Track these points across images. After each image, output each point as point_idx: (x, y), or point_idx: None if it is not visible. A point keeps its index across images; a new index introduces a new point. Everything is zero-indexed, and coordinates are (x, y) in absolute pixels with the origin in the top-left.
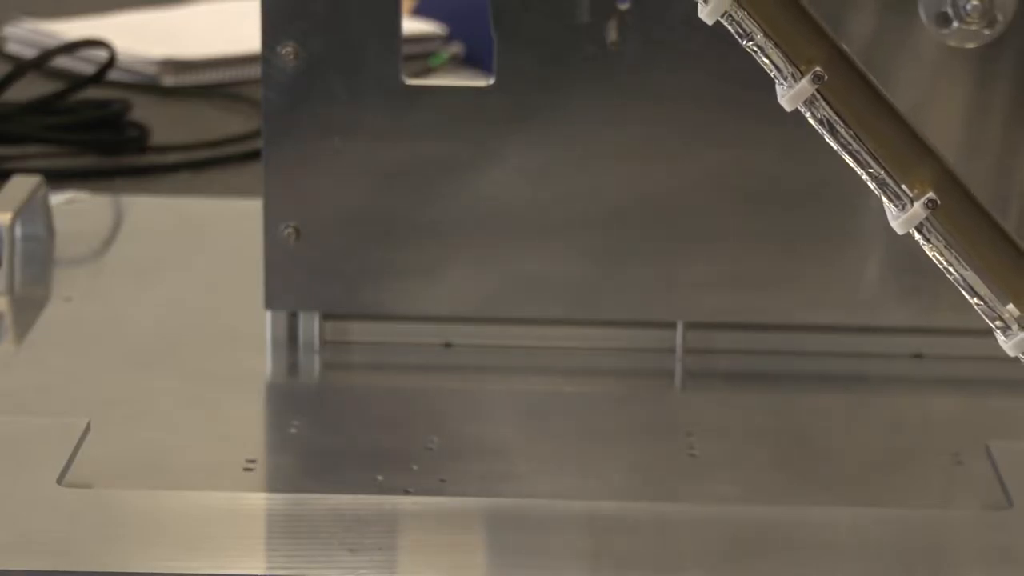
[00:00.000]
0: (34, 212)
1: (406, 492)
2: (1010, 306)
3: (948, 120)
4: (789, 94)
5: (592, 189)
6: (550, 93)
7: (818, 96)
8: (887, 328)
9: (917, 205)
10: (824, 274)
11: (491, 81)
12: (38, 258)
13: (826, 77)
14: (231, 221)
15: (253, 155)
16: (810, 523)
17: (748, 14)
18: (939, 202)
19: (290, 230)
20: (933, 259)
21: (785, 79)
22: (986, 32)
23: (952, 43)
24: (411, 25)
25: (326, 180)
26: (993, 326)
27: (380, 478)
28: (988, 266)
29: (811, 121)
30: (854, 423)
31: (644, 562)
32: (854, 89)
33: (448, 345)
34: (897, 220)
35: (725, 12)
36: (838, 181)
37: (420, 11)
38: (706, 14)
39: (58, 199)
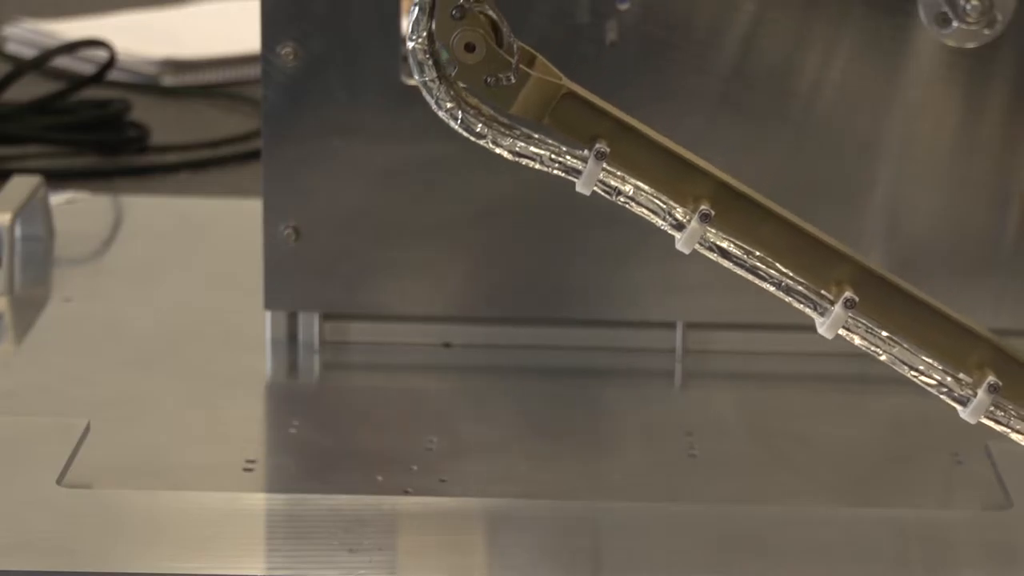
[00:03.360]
0: (34, 212)
1: (406, 492)
2: (961, 374)
3: (948, 120)
4: (683, 239)
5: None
6: None
7: (711, 230)
8: None
9: (837, 307)
10: None
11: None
12: (38, 258)
13: (713, 213)
14: (231, 221)
15: (253, 155)
16: (810, 523)
17: (623, 174)
18: (857, 299)
19: (290, 230)
20: (866, 350)
21: (664, 220)
22: (986, 32)
23: (952, 43)
24: None
25: (326, 180)
26: (948, 401)
27: (380, 478)
28: (926, 343)
29: (710, 255)
30: (854, 423)
31: (644, 562)
32: (748, 214)
33: (448, 345)
34: (823, 326)
35: (597, 182)
36: (838, 181)
37: None
38: (581, 186)
39: (58, 199)
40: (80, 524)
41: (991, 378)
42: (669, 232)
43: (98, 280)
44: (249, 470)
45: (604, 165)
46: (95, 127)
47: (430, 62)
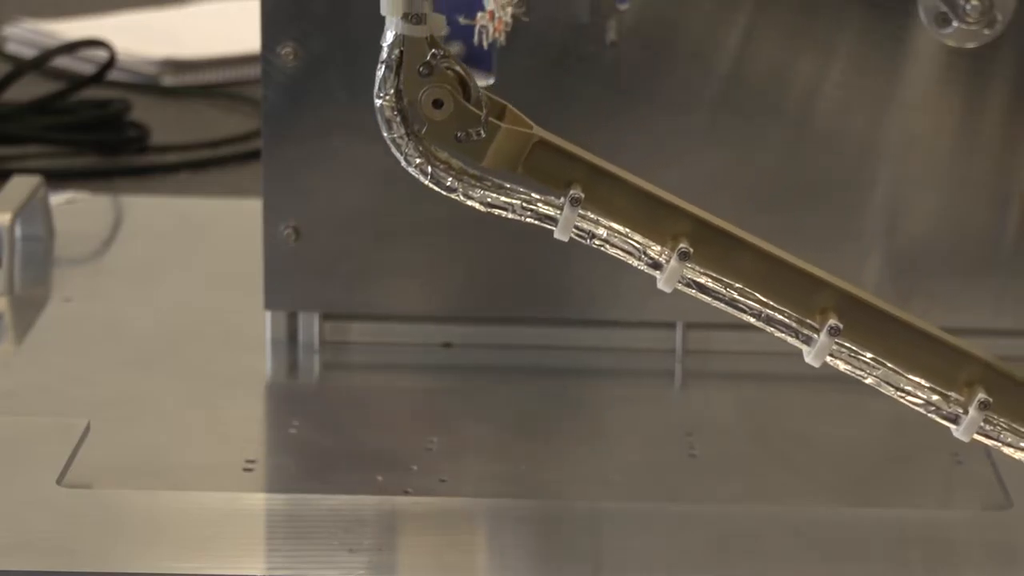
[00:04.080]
0: (34, 212)
1: (406, 492)
2: (953, 393)
3: (948, 120)
4: (663, 278)
5: None
6: (550, 93)
7: (692, 268)
8: None
9: (822, 335)
10: None
11: (491, 81)
12: (38, 258)
13: (691, 251)
14: (231, 221)
15: (253, 155)
16: (810, 523)
17: (597, 217)
18: (841, 326)
19: (290, 230)
20: (851, 374)
21: (639, 260)
22: (986, 32)
23: (952, 43)
24: None
25: (326, 180)
26: (942, 421)
27: (380, 478)
28: (915, 364)
29: (688, 291)
30: (854, 423)
31: (644, 562)
32: (726, 249)
33: (448, 345)
34: (809, 355)
35: (572, 227)
36: (838, 181)
37: None
38: (559, 233)
39: (58, 199)
40: (80, 524)
41: (981, 395)
42: (647, 272)
43: (98, 280)
44: (249, 470)
45: (580, 211)
46: (95, 127)
47: (398, 119)
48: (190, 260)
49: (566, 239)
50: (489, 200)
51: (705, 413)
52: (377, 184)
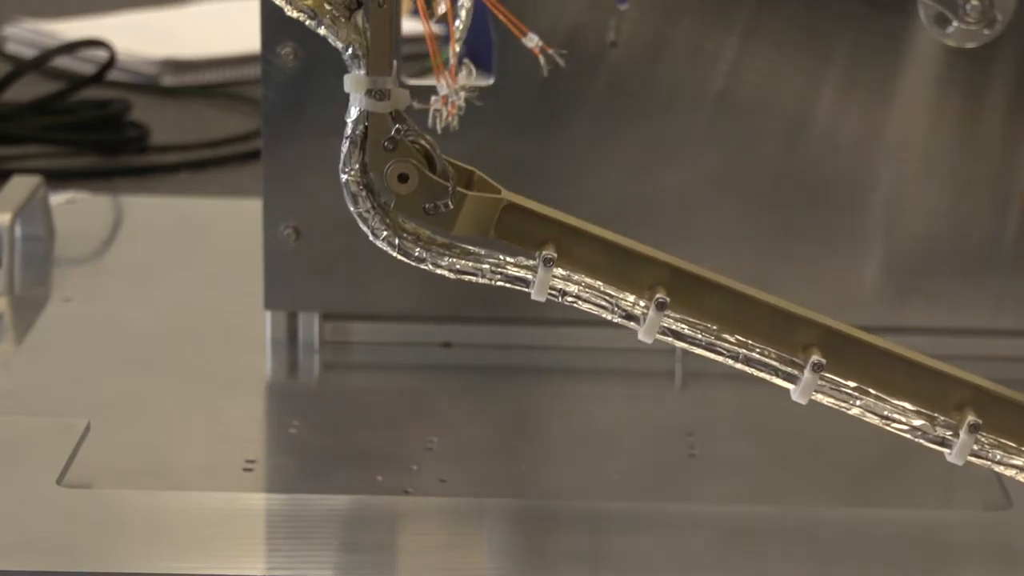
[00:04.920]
0: (34, 212)
1: (406, 492)
2: (944, 417)
3: (948, 120)
4: (643, 330)
5: (592, 189)
6: (550, 93)
7: (670, 314)
8: (887, 328)
9: (806, 373)
10: (824, 274)
11: (491, 81)
12: (38, 258)
13: (668, 300)
14: (231, 221)
15: (253, 155)
16: (810, 523)
17: (568, 273)
18: (824, 362)
19: (290, 230)
20: (836, 408)
21: (612, 314)
22: (986, 32)
23: (952, 43)
24: (411, 25)
25: (326, 180)
26: (932, 446)
27: (380, 478)
28: (903, 392)
29: (664, 339)
30: (854, 423)
31: (644, 562)
32: (703, 294)
33: (448, 345)
34: (796, 393)
35: (547, 289)
36: (838, 181)
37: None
38: (535, 294)
39: (58, 199)
40: (80, 524)
41: (971, 418)
42: (622, 324)
43: (98, 280)
44: (249, 470)
45: (557, 272)
46: (95, 127)
47: (363, 193)
48: (190, 260)
49: (543, 300)
50: (458, 267)
51: (705, 413)
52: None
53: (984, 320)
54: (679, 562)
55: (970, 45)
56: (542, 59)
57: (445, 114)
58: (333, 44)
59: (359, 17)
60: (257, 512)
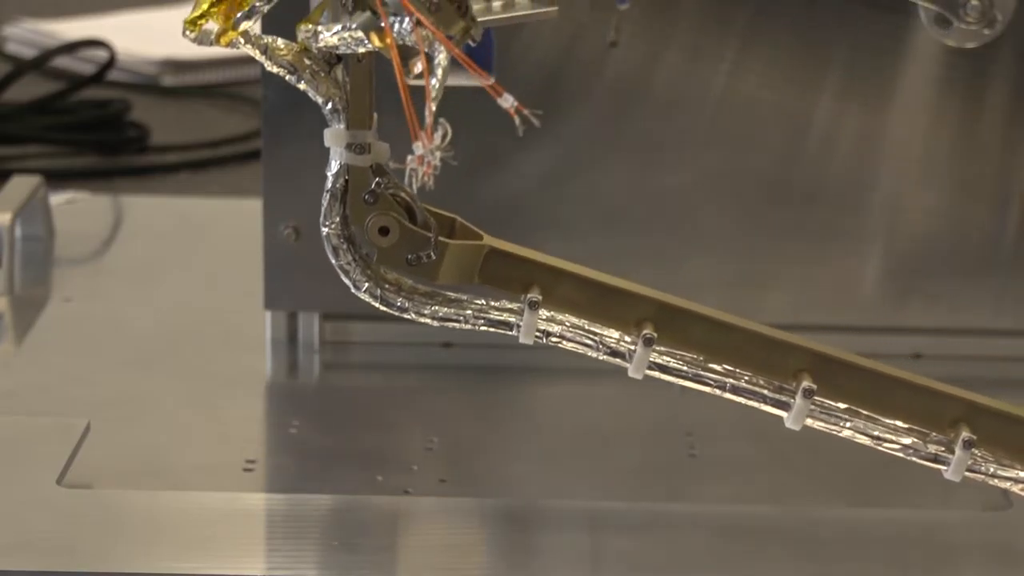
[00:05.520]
0: (34, 212)
1: (406, 492)
2: (934, 434)
3: (948, 120)
4: (633, 367)
5: (592, 189)
6: (550, 93)
7: (659, 348)
8: (887, 328)
9: (798, 400)
10: (824, 274)
11: (491, 81)
12: (38, 258)
13: (656, 335)
14: (231, 221)
15: (253, 155)
16: (810, 523)
17: (554, 313)
18: (815, 387)
19: (290, 230)
20: (827, 431)
21: (597, 352)
22: (986, 32)
23: (952, 43)
24: None
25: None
26: (926, 464)
27: (380, 478)
28: (897, 413)
29: (652, 373)
30: None
31: (644, 562)
32: (690, 327)
33: (448, 345)
34: (789, 419)
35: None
36: (838, 181)
37: None
38: (523, 338)
39: (58, 199)
40: (80, 524)
41: (965, 434)
42: (608, 362)
43: (98, 280)
44: (249, 470)
45: (540, 313)
46: (95, 127)
47: (344, 246)
48: (190, 260)
49: (530, 343)
50: (441, 315)
51: (705, 413)
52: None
53: (984, 320)
54: (679, 562)
55: (970, 45)
56: (517, 119)
57: (421, 173)
58: (313, 99)
59: (339, 71)
60: (257, 512)
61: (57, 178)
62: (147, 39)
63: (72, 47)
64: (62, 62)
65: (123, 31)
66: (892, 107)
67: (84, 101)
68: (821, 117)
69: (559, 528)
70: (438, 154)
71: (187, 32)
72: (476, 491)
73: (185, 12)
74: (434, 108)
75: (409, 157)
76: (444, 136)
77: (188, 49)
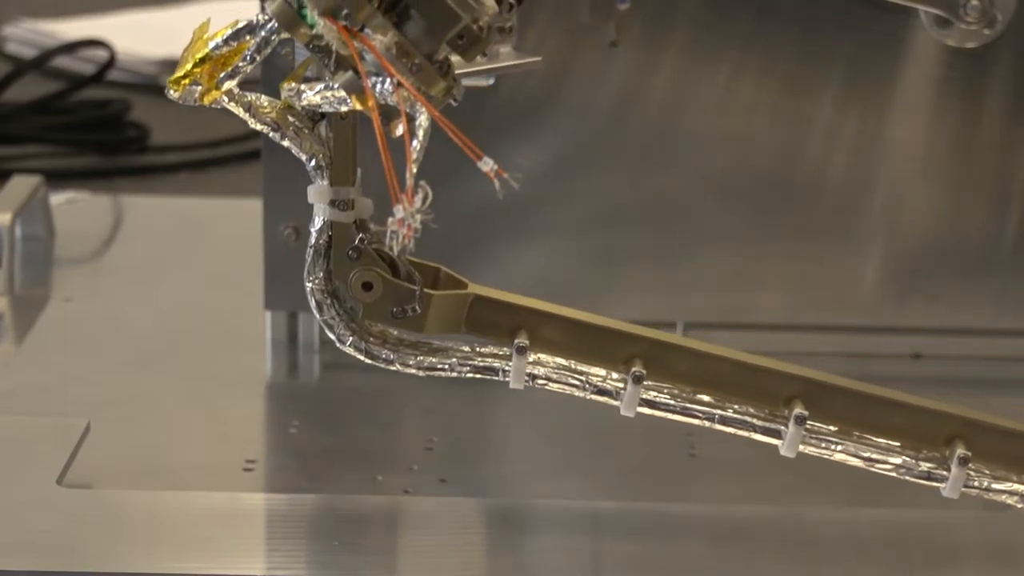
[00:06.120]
0: (34, 212)
1: (406, 492)
2: (925, 452)
3: (948, 120)
4: (624, 403)
5: (592, 189)
6: (550, 93)
7: (648, 389)
8: (887, 328)
9: (791, 427)
10: (824, 274)
11: (491, 81)
12: (38, 258)
13: (645, 373)
14: (231, 221)
15: (253, 155)
16: (810, 523)
17: (540, 355)
18: (807, 414)
19: (290, 230)
20: (818, 455)
21: (584, 391)
22: (986, 32)
23: (952, 43)
24: None
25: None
26: (917, 481)
27: (380, 478)
28: (892, 434)
29: (655, 413)
30: None
31: (644, 562)
32: (679, 362)
33: None
34: (783, 447)
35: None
36: (838, 182)
37: None
38: (513, 383)
39: (58, 199)
40: (80, 524)
41: (960, 451)
42: (596, 400)
43: (98, 280)
44: (249, 470)
45: (528, 357)
46: (95, 127)
47: (328, 301)
48: (190, 260)
49: (521, 387)
50: (426, 365)
51: None
52: (377, 184)
53: (984, 320)
54: (678, 562)
55: (970, 45)
56: (497, 183)
57: (401, 236)
58: (296, 155)
59: (322, 128)
60: (257, 512)
61: (57, 178)
62: (147, 39)
63: (72, 47)
64: (62, 62)
65: (123, 31)
66: (892, 107)
67: (84, 101)
68: (821, 117)
69: (559, 528)
70: (419, 217)
71: (171, 91)
72: (476, 491)
73: (185, 12)
74: (415, 170)
75: (390, 219)
76: (424, 199)
77: None
